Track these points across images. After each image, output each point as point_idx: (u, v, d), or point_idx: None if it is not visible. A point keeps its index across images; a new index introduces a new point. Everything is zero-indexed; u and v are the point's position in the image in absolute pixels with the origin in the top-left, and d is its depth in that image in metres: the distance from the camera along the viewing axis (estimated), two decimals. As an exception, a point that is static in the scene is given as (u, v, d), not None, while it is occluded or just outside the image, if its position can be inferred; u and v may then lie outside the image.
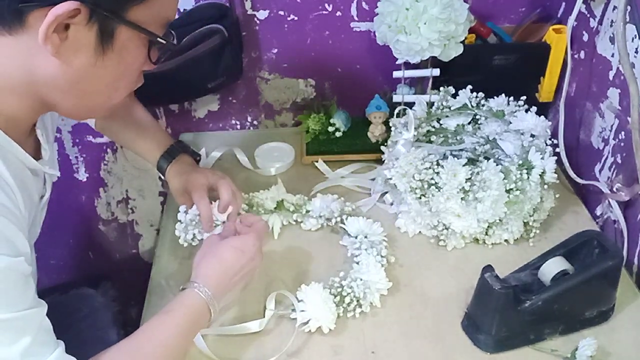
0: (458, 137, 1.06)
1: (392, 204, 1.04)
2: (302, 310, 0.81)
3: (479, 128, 1.05)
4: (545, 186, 0.93)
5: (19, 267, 0.59)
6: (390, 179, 0.95)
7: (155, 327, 0.72)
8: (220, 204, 0.92)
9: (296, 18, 1.17)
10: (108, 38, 0.61)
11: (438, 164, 0.91)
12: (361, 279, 0.85)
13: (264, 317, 0.83)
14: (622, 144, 0.96)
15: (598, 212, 1.04)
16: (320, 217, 0.99)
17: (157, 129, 1.02)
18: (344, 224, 0.97)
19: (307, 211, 1.00)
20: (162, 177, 0.99)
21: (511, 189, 0.89)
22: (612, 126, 0.99)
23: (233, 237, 0.83)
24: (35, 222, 0.76)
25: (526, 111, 0.98)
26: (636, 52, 0.89)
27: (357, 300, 0.84)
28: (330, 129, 1.17)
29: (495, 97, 1.04)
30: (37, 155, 0.72)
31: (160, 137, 1.00)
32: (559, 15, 1.14)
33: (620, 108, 0.96)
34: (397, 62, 1.02)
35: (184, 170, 0.96)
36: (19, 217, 0.62)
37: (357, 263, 0.89)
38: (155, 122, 1.03)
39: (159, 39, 0.66)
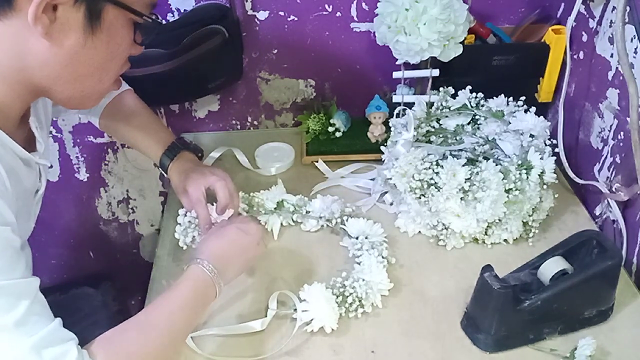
0: (457, 137, 1.06)
1: (391, 204, 1.04)
2: (305, 310, 0.82)
3: (478, 128, 1.05)
4: (545, 186, 0.93)
5: (6, 235, 0.59)
6: (390, 179, 0.96)
7: (161, 302, 0.73)
8: (218, 206, 0.92)
9: (296, 19, 1.17)
10: (96, 18, 0.63)
11: (437, 164, 0.92)
12: (363, 279, 0.86)
13: (266, 316, 0.84)
14: (621, 144, 0.96)
15: (597, 212, 1.04)
16: (321, 218, 0.99)
17: (159, 126, 1.02)
18: (344, 225, 0.97)
19: (307, 212, 1.01)
20: (165, 174, 0.99)
21: (510, 189, 0.90)
22: (611, 126, 0.99)
23: (238, 219, 0.86)
24: (30, 215, 0.76)
25: (525, 111, 0.99)
26: (635, 52, 0.89)
27: (360, 301, 0.84)
28: (330, 129, 1.18)
29: (494, 97, 1.04)
30: (30, 148, 0.72)
31: (162, 134, 1.00)
32: (558, 16, 1.14)
33: (619, 108, 0.96)
34: (396, 63, 1.02)
35: (185, 168, 0.96)
36: (4, 191, 0.62)
37: (359, 263, 0.89)
38: (157, 119, 1.04)
39: (144, 17, 0.68)
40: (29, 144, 0.73)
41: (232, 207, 0.93)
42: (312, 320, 0.81)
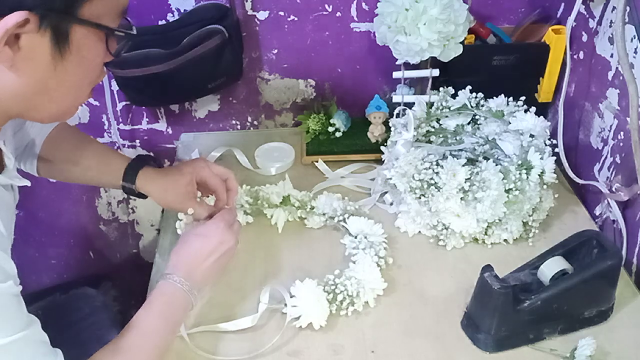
0: (457, 137, 1.06)
1: (391, 204, 1.04)
2: (294, 306, 0.82)
3: (478, 128, 1.05)
4: (545, 186, 0.93)
5: (9, 291, 0.59)
6: (390, 179, 0.96)
7: (138, 320, 0.75)
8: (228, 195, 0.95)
9: (296, 19, 1.17)
10: (63, 40, 0.59)
11: (437, 164, 0.92)
12: (355, 278, 0.86)
13: (258, 310, 0.84)
14: (621, 144, 0.96)
15: (597, 212, 1.04)
16: (324, 215, 1.00)
17: (108, 150, 0.96)
18: (346, 222, 0.98)
19: (312, 208, 1.01)
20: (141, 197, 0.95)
21: (510, 189, 0.90)
22: (611, 126, 0.99)
23: (197, 225, 0.87)
24: (13, 225, 0.74)
25: (525, 111, 0.99)
26: (635, 52, 0.89)
27: (350, 299, 0.84)
28: (330, 129, 1.18)
29: (494, 97, 1.04)
30: (1, 166, 0.69)
31: (116, 157, 0.94)
32: (558, 16, 1.14)
33: (619, 108, 0.96)
34: (396, 63, 1.02)
35: (157, 190, 0.92)
36: (1, 238, 0.61)
37: (354, 262, 0.89)
38: (102, 145, 0.97)
39: (116, 31, 0.63)
40: (1, 162, 0.70)
41: (220, 197, 0.94)
42: (300, 316, 0.82)
